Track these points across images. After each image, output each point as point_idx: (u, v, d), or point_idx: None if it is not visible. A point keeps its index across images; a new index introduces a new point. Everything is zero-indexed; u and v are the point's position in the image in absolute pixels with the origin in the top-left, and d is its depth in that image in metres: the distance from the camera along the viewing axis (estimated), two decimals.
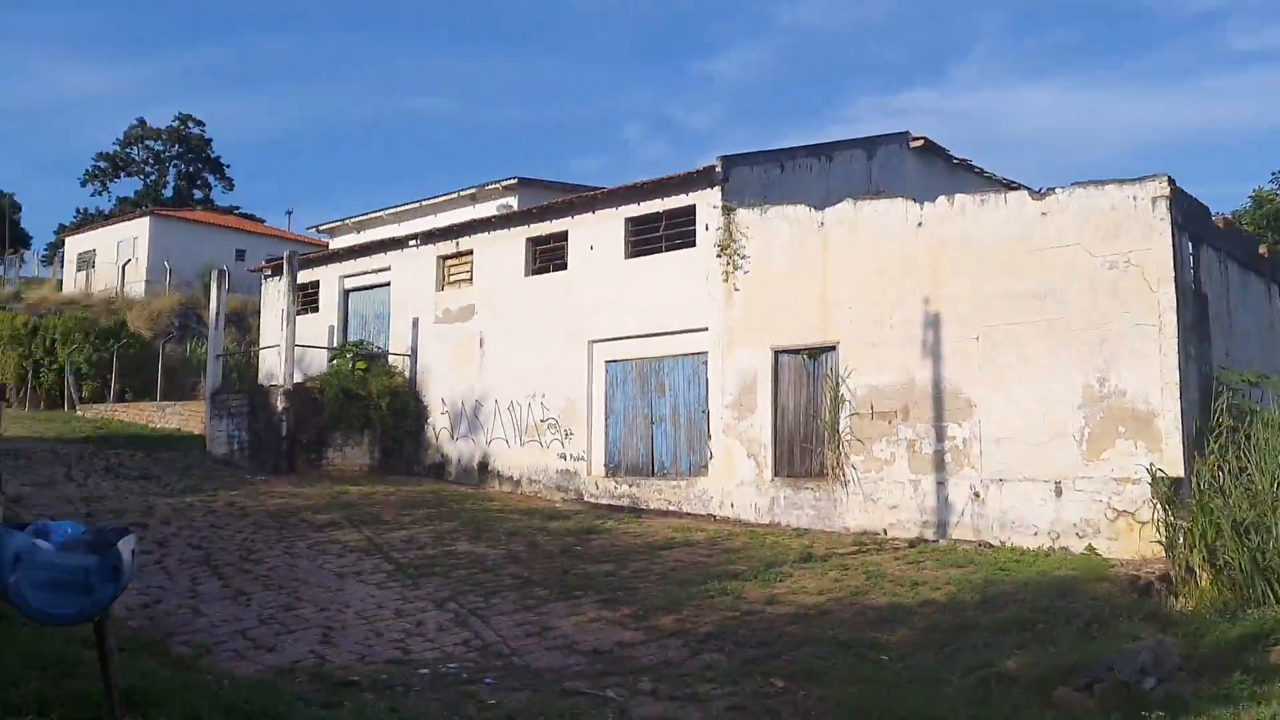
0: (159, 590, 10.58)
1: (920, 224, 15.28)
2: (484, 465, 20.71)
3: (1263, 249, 17.70)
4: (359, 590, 10.94)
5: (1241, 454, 11.50)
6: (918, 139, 22.02)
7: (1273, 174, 24.10)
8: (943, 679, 7.72)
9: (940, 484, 14.65)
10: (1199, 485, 11.46)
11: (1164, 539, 11.45)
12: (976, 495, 14.29)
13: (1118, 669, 7.25)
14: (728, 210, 17.46)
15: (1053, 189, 14.24)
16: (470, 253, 21.81)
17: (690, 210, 18.14)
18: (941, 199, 15.17)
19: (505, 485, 20.22)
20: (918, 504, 14.83)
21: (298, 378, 21.86)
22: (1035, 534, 13.58)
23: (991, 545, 13.72)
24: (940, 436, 14.73)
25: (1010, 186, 20.83)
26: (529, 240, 20.70)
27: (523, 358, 20.24)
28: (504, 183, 25.29)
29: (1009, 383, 14.16)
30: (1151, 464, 12.27)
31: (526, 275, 20.68)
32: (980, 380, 14.43)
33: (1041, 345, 13.91)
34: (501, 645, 9.02)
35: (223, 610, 9.93)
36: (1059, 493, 13.51)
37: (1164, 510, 11.50)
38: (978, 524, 14.20)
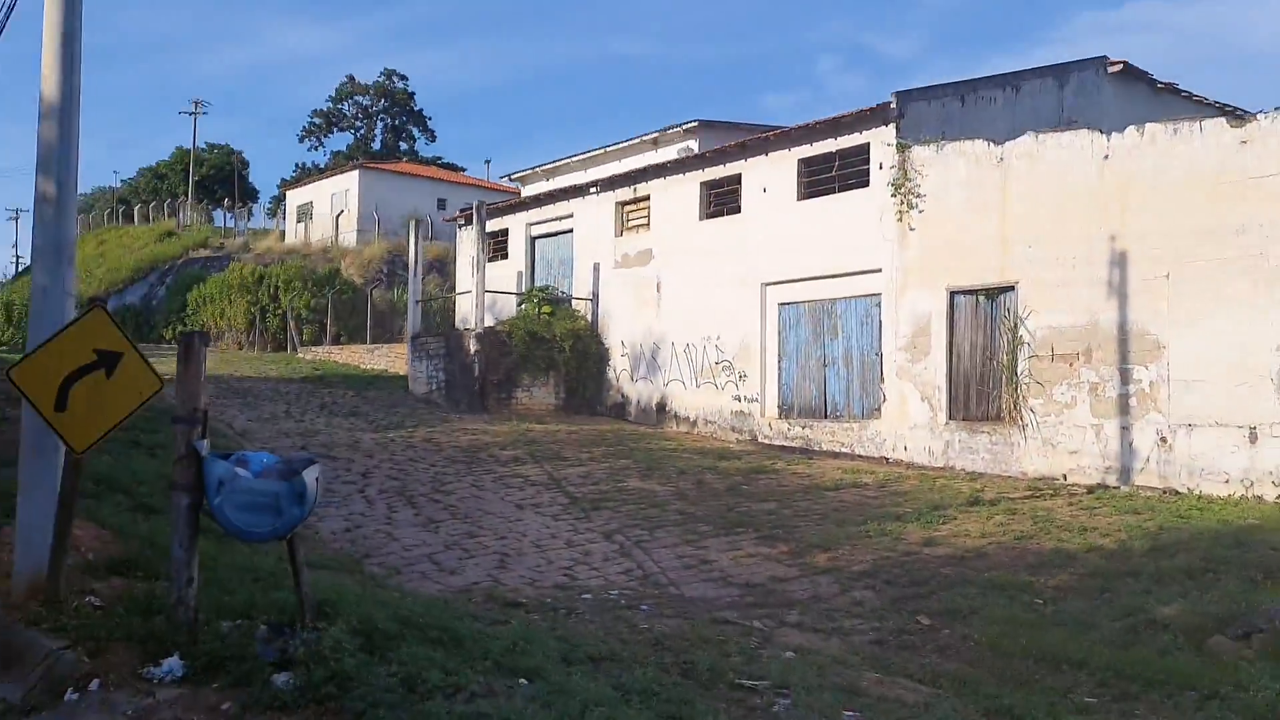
0: (360, 516, 11.75)
1: (1107, 156, 14.54)
2: (662, 406, 21.37)
3: None
4: (536, 521, 11.77)
5: None
6: (1116, 63, 20.66)
7: None
8: (1091, 623, 7.68)
9: (1124, 429, 14.11)
10: None
11: None
12: (1163, 440, 13.69)
13: (1279, 620, 7.01)
14: (902, 148, 17.13)
15: (1254, 114, 13.23)
16: (647, 198, 22.30)
17: (864, 149, 17.89)
18: (1130, 129, 14.37)
19: (682, 426, 20.82)
20: (1099, 449, 14.35)
21: (490, 321, 23.14)
22: (1226, 481, 12.93)
23: (1178, 493, 13.16)
24: (1125, 379, 14.15)
25: (1226, 112, 19.29)
26: (703, 184, 20.96)
27: (698, 301, 20.65)
28: (685, 126, 25.54)
29: (1201, 323, 13.41)
30: None
31: (701, 219, 20.99)
32: (1169, 320, 13.73)
33: (1238, 283, 13.08)
34: (660, 575, 9.57)
35: (413, 536, 10.96)
36: (1254, 439, 12.78)
37: None
38: (1164, 470, 13.63)
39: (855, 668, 6.86)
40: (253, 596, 6.47)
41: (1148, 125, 14.24)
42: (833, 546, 10.59)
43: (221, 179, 66.45)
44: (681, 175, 21.47)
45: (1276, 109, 13.06)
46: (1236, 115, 14.34)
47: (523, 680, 5.74)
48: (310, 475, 5.66)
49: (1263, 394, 12.75)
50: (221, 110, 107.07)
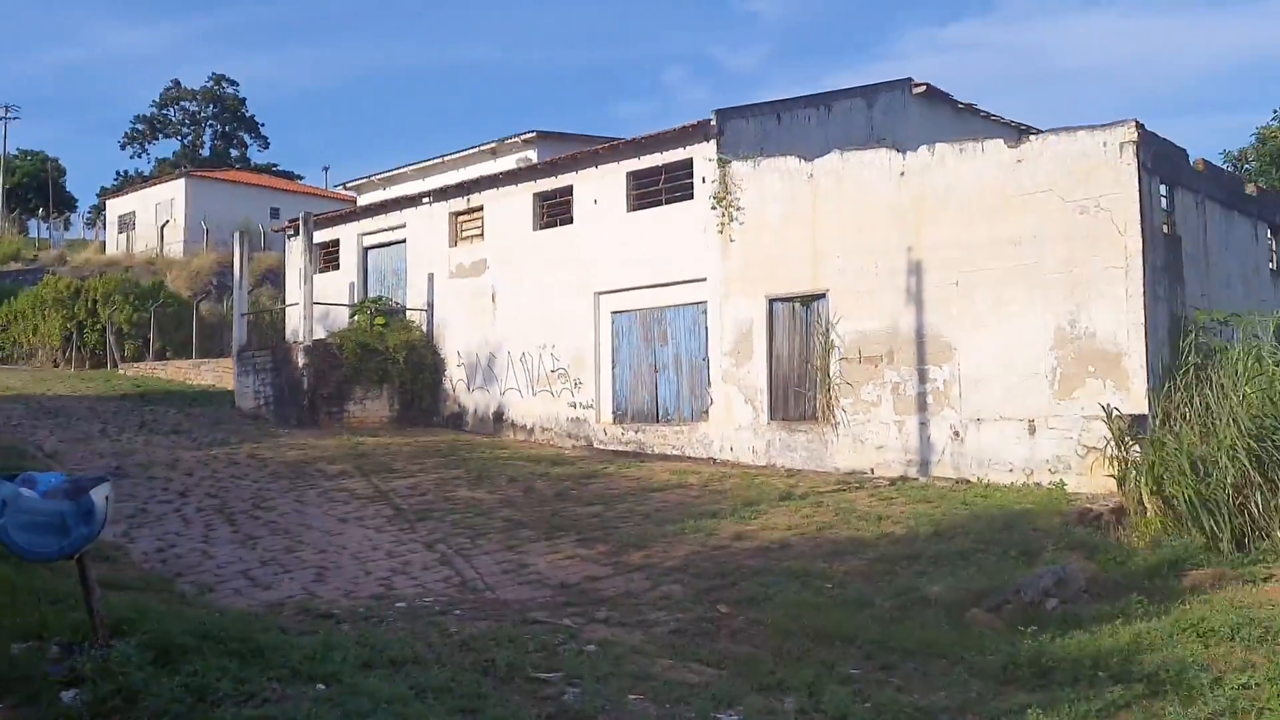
0: (175, 536, 11.52)
1: (903, 173, 15.63)
2: (499, 415, 21.55)
3: (1250, 189, 17.77)
4: (357, 534, 11.82)
5: (1204, 391, 11.90)
6: (920, 85, 22.12)
7: (1275, 110, 23.83)
8: (868, 603, 8.39)
9: (922, 424, 15.19)
10: (1157, 421, 11.93)
11: (1117, 473, 11.95)
12: (956, 434, 14.82)
13: (1024, 591, 7.87)
14: (722, 163, 17.90)
15: (1028, 136, 14.52)
16: (481, 209, 22.46)
17: (688, 164, 18.61)
18: (923, 148, 15.50)
19: (519, 434, 21.06)
20: (902, 444, 15.39)
21: (321, 334, 22.79)
22: (1010, 471, 14.11)
23: (969, 482, 14.27)
24: (922, 379, 15.24)
25: (1021, 130, 20.90)
26: (536, 195, 21.30)
27: (533, 310, 20.96)
28: (523, 136, 25.74)
29: (986, 326, 14.60)
30: (1108, 403, 12.71)
31: (535, 230, 21.31)
32: (959, 324, 14.88)
33: (1017, 289, 14.31)
34: (478, 581, 9.83)
35: (230, 553, 10.85)
36: (1032, 431, 14.00)
37: (1118, 446, 11.98)
38: (957, 462, 14.75)
39: (651, 656, 7.32)
40: (47, 618, 6.43)
41: (938, 145, 15.40)
42: (649, 545, 11.08)
43: (35, 187, 62.61)
44: (514, 186, 21.75)
45: (1049, 130, 14.40)
46: (1025, 132, 15.67)
47: (320, 685, 5.93)
48: (99, 494, 5.71)
49: (1039, 389, 13.99)
50: (34, 115, 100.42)
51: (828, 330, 16.41)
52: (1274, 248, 18.42)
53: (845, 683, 6.41)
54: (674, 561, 10.40)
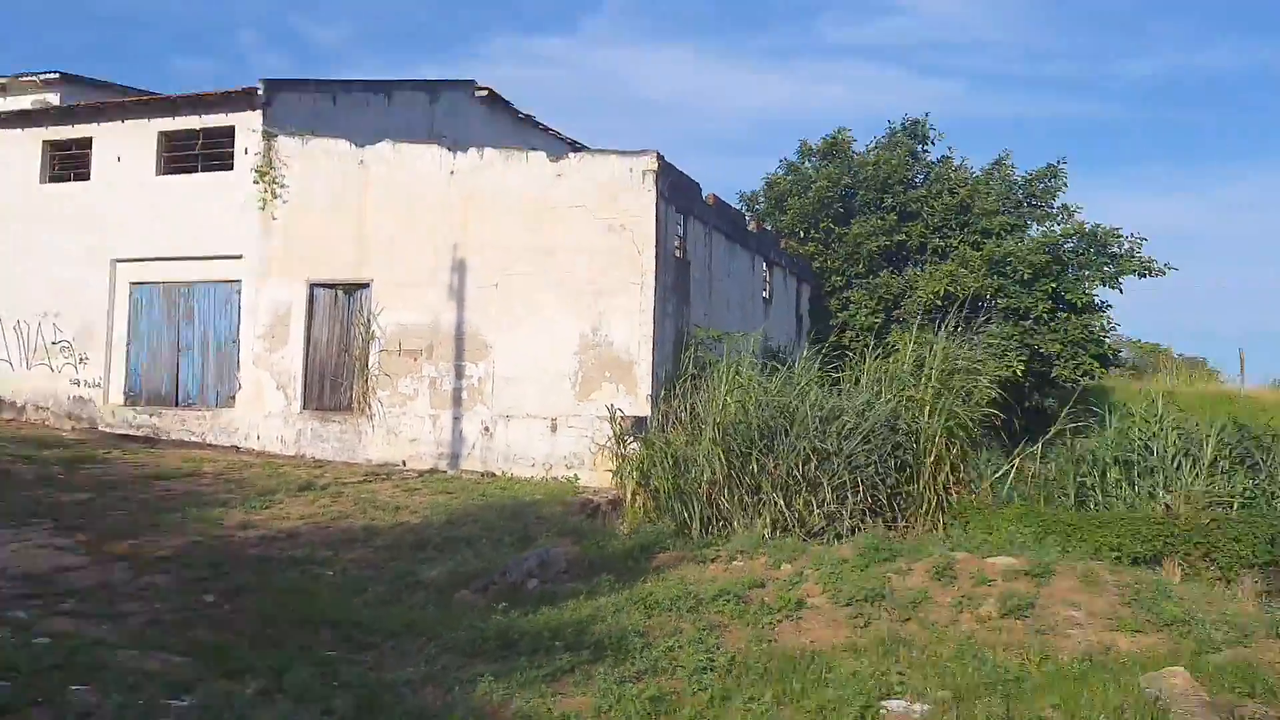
0: None
1: (453, 172, 15.96)
2: None
3: (752, 225, 20.45)
4: None
5: (697, 398, 13.43)
6: (483, 89, 22.69)
7: (780, 160, 27.76)
8: (364, 588, 8.44)
9: (456, 419, 15.58)
10: (656, 424, 13.27)
11: (615, 468, 13.15)
12: (487, 430, 15.38)
13: (509, 573, 8.38)
14: (269, 136, 17.08)
15: (568, 153, 15.50)
16: None
17: (229, 131, 17.50)
18: (472, 150, 15.96)
19: (8, 412, 18.45)
20: (435, 437, 15.66)
21: None
22: (534, 465, 14.92)
23: (495, 475, 14.88)
24: (459, 375, 15.64)
25: (577, 147, 22.15)
26: (47, 143, 18.87)
27: (35, 273, 18.48)
28: (43, 76, 22.48)
29: (521, 328, 15.33)
30: (614, 405, 13.96)
31: (43, 182, 18.86)
32: (497, 324, 15.48)
33: (549, 296, 15.20)
34: None
35: None
36: (555, 429, 14.93)
37: (618, 444, 13.20)
38: (486, 456, 15.31)
39: (113, 648, 6.76)
40: None
41: (487, 150, 15.94)
42: (139, 534, 10.24)
43: None
44: (21, 130, 19.08)
45: (586, 151, 15.49)
46: (578, 149, 16.65)
47: None
48: None
49: (563, 391, 14.96)
50: None
51: (369, 321, 16.27)
52: (767, 279, 21.31)
53: (319, 664, 6.38)
54: (165, 551, 9.71)
